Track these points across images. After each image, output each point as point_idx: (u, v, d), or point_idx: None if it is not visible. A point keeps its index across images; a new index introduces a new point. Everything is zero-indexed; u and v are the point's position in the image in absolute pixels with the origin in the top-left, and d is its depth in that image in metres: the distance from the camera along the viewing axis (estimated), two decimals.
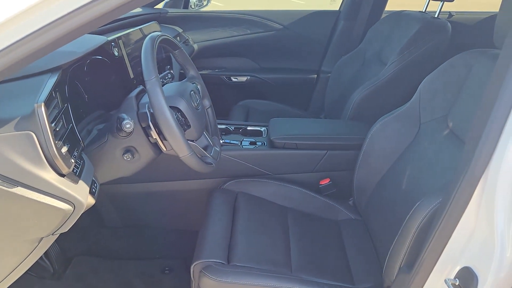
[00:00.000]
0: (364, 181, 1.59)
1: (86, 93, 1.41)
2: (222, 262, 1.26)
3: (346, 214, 1.64)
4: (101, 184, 1.45)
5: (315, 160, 1.72)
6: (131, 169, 1.27)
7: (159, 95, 1.09)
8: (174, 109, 1.21)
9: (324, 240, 1.49)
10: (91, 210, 1.84)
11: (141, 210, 1.82)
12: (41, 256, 1.69)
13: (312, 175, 1.74)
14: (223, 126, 1.88)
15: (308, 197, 1.65)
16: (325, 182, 1.72)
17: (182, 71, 2.15)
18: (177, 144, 1.13)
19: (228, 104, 2.51)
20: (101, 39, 1.40)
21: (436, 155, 1.33)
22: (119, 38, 1.61)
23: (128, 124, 1.14)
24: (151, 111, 1.16)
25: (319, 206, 1.64)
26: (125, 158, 1.23)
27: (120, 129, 1.18)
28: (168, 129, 1.11)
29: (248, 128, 1.90)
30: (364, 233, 1.54)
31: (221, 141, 1.73)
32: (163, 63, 1.99)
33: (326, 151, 1.71)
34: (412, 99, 1.50)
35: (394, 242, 1.17)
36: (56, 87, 1.03)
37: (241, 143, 1.74)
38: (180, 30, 2.57)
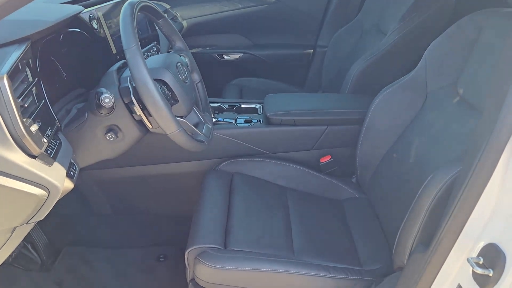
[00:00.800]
0: (367, 157, 1.49)
1: (64, 70, 1.29)
2: (219, 247, 1.17)
3: (349, 192, 1.54)
4: (86, 169, 1.35)
5: (315, 137, 1.62)
6: (115, 150, 1.16)
7: (141, 65, 0.97)
8: (159, 82, 1.10)
9: (327, 221, 1.39)
10: (78, 198, 1.75)
11: (131, 196, 1.72)
12: (28, 248, 1.60)
13: (312, 153, 1.64)
14: (216, 105, 1.77)
15: (308, 176, 1.55)
16: (325, 159, 1.62)
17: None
18: (163, 120, 1.02)
19: (220, 83, 2.39)
20: (74, 9, 1.27)
21: (446, 124, 1.23)
22: (97, 9, 1.47)
23: (107, 99, 1.03)
24: (134, 84, 1.05)
25: (320, 184, 1.55)
26: (107, 138, 1.12)
27: (99, 105, 1.07)
28: (153, 103, 1.00)
29: (243, 105, 1.79)
30: (369, 211, 1.45)
31: (213, 120, 1.63)
32: (149, 40, 1.86)
33: (326, 127, 1.60)
34: (417, 67, 1.40)
35: (404, 220, 1.08)
36: (23, 59, 0.91)
37: (235, 121, 1.64)
38: (168, 6, 2.43)
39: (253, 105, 1.79)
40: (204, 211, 1.31)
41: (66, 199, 1.76)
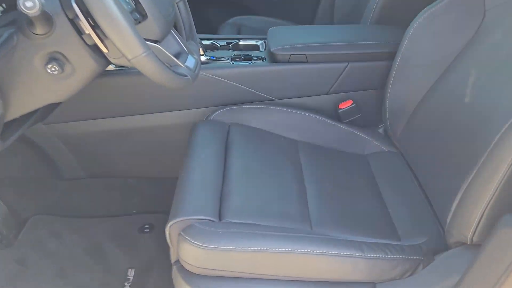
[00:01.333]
0: (401, 100, 1.17)
1: None
2: (211, 219, 0.87)
3: (375, 145, 1.23)
4: (46, 122, 1.04)
5: (332, 77, 1.28)
6: (62, 89, 0.83)
7: None
8: None
9: (350, 181, 1.09)
10: (44, 159, 1.45)
11: (107, 155, 1.41)
12: None
13: (328, 98, 1.31)
14: (208, 42, 1.43)
15: (324, 126, 1.24)
16: (346, 105, 1.29)
17: None
18: (122, 38, 0.69)
19: (214, 22, 2.04)
20: None
21: None
22: None
23: (30, 2, 0.68)
24: None
25: (339, 136, 1.24)
26: (49, 71, 0.79)
27: (31, 22, 0.73)
28: (104, 14, 0.67)
29: (241, 42, 1.45)
30: (403, 169, 1.14)
31: (204, 57, 1.29)
32: None
33: (346, 64, 1.27)
34: None
35: (469, 180, 0.78)
36: None
37: (232, 59, 1.30)
38: None
39: (253, 42, 1.45)
40: (191, 172, 1.00)
41: (29, 161, 1.48)
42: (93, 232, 1.40)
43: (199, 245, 0.80)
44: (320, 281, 0.83)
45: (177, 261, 0.89)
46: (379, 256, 0.82)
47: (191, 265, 0.82)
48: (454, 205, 0.81)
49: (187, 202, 0.90)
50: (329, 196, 1.01)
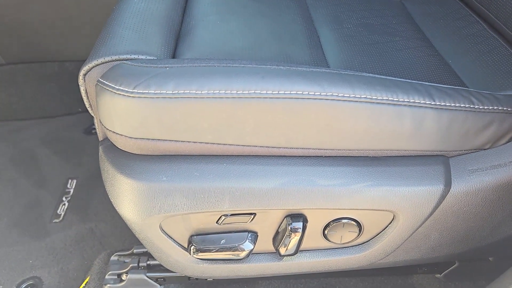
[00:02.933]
0: None
1: None
2: (152, 57, 0.49)
3: None
4: None
5: None
6: None
7: None
8: None
9: (383, 25, 0.70)
10: None
11: (28, 28, 0.99)
12: None
13: None
14: None
15: None
16: None
17: None
18: None
19: None
20: None
21: None
22: None
23: None
24: None
25: None
26: None
27: None
28: None
29: None
30: (462, 12, 0.75)
31: None
32: None
33: None
34: None
35: None
36: None
37: None
38: None
39: None
40: (127, 3, 0.60)
41: None
42: (23, 138, 1.03)
43: (127, 91, 0.42)
44: (353, 156, 0.47)
45: (105, 139, 0.53)
46: (460, 106, 0.45)
47: (120, 135, 0.45)
48: None
49: (115, 38, 0.52)
50: (355, 39, 0.63)
